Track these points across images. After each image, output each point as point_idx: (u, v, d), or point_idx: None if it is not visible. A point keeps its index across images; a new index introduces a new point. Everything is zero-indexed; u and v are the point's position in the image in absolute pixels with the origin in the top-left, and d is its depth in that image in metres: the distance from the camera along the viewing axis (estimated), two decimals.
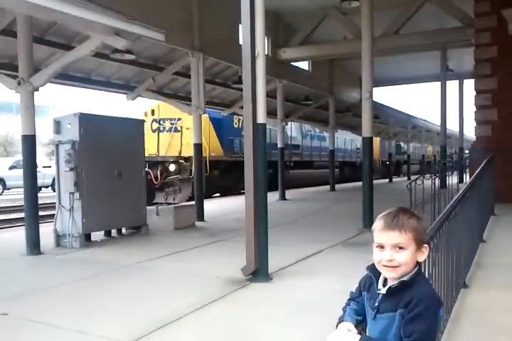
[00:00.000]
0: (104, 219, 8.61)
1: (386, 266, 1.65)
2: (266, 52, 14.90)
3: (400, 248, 1.63)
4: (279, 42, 15.17)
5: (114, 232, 9.31)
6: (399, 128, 32.39)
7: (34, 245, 7.67)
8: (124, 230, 9.52)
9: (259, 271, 5.76)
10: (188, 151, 15.00)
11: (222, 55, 11.92)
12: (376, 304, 1.72)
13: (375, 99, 25.59)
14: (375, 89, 24.89)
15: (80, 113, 8.26)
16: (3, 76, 7.83)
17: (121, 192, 8.87)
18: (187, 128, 15.85)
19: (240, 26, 5.82)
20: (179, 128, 16.83)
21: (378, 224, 1.70)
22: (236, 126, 18.60)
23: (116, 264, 6.86)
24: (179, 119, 16.66)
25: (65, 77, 10.48)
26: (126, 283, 5.86)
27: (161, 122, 17.35)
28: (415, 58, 18.97)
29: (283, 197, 15.91)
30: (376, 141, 30.47)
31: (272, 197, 16.25)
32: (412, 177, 10.21)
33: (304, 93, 18.01)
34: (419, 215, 1.73)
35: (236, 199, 15.25)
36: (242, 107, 6.63)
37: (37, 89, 7.66)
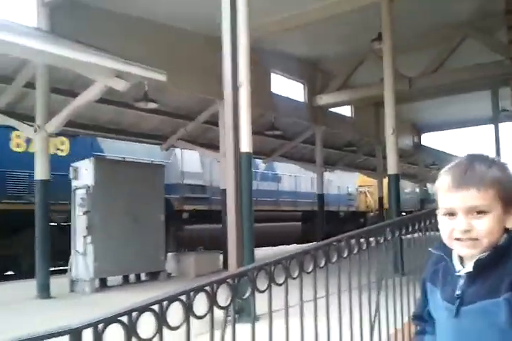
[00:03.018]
0: (118, 263, 8.48)
1: (461, 239, 1.13)
2: (303, 100, 15.14)
3: (480, 212, 1.11)
4: (316, 89, 15.15)
5: (132, 277, 9.14)
6: None
7: (43, 289, 7.61)
8: (143, 276, 9.33)
9: None
10: None
11: (253, 102, 11.96)
12: (458, 292, 1.15)
13: (429, 144, 24.82)
14: (429, 135, 24.18)
15: (95, 157, 8.42)
16: (21, 124, 8.19)
17: (137, 236, 8.77)
18: None
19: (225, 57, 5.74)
20: None
21: (445, 180, 1.16)
22: (21, 150, 10.38)
23: (106, 307, 6.61)
24: None
25: (96, 128, 10.87)
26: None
27: None
28: (466, 100, 18.27)
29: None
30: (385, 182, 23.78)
31: None
32: None
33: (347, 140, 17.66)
34: (505, 162, 1.18)
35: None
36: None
37: (51, 135, 7.95)
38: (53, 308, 6.94)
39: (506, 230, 1.15)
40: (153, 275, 9.25)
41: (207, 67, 10.26)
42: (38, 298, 7.49)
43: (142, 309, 1.48)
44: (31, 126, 7.95)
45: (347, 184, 22.08)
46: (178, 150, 13.72)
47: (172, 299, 1.58)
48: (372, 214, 23.01)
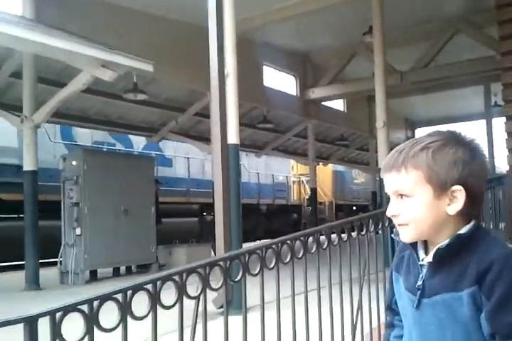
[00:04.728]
0: (108, 256, 8.46)
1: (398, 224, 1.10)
2: (295, 93, 15.05)
3: (403, 195, 1.08)
4: (308, 82, 15.08)
5: (123, 270, 9.12)
6: None
7: (32, 281, 7.58)
8: (134, 268, 9.30)
9: None
10: None
11: (244, 95, 11.83)
12: (420, 283, 1.10)
13: None
14: (422, 130, 24.19)
15: (84, 149, 8.35)
16: (8, 114, 8.11)
17: (127, 228, 8.74)
18: None
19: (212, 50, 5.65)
20: None
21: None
22: None
23: None
24: None
25: (84, 119, 10.74)
26: None
27: None
28: (459, 95, 18.25)
29: None
30: (325, 170, 20.20)
31: None
32: None
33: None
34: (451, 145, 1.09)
35: None
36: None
37: (39, 126, 7.88)
38: (40, 299, 6.91)
39: (469, 218, 1.09)
40: (145, 268, 9.23)
41: (197, 58, 10.17)
42: (26, 290, 7.47)
43: (104, 298, 1.45)
44: (18, 116, 7.89)
45: (276, 171, 18.39)
46: None
47: (136, 288, 1.55)
48: (309, 208, 18.33)
